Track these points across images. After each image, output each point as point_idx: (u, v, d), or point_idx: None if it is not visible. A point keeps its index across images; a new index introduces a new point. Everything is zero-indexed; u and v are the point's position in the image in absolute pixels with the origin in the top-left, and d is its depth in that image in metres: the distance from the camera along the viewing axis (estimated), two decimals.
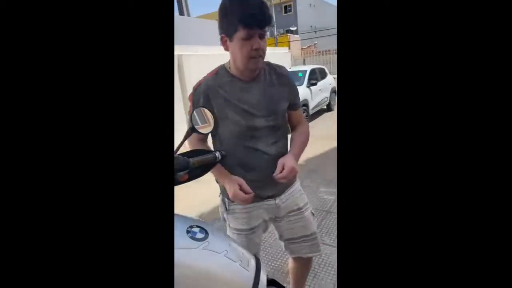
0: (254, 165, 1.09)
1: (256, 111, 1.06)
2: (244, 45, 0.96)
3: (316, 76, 6.64)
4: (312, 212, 1.28)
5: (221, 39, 1.00)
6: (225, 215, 1.20)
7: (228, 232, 1.21)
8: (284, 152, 1.14)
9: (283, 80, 1.13)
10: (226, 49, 1.02)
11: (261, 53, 0.99)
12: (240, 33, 0.94)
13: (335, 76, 8.83)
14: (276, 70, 1.13)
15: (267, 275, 0.73)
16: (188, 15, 9.54)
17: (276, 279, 0.78)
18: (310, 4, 25.54)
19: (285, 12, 24.42)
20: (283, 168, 1.02)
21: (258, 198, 1.12)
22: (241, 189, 1.03)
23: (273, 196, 1.17)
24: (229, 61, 1.08)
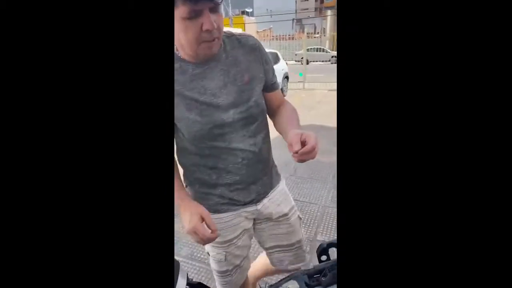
0: (228, 167, 0.85)
1: (221, 101, 0.79)
2: (189, 26, 0.67)
3: None
4: (299, 216, 1.05)
5: None
6: None
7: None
8: (266, 147, 0.91)
9: (252, 54, 0.84)
10: None
11: (216, 34, 0.71)
12: (181, 10, 0.64)
13: (288, 61, 8.91)
14: (240, 42, 0.83)
15: (191, 280, 0.66)
16: None
17: (202, 282, 0.71)
18: None
19: None
20: (303, 142, 0.69)
21: (236, 205, 0.92)
22: (204, 222, 0.77)
23: (254, 201, 0.93)
24: None
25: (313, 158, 0.70)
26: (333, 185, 2.77)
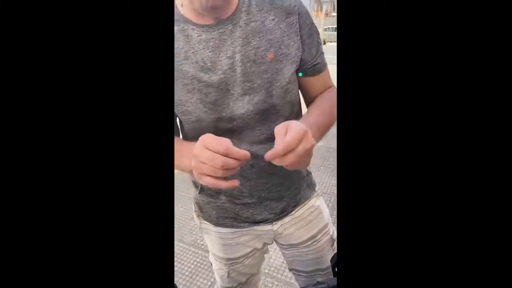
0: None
1: (231, 84, 0.57)
2: None
3: None
4: (332, 238, 0.80)
5: None
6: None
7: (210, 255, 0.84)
8: None
9: (287, 20, 0.58)
10: None
11: None
12: None
13: None
14: (273, 1, 0.58)
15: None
16: None
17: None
18: None
19: None
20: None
21: (245, 222, 0.72)
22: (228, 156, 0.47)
23: (268, 221, 0.72)
24: None
25: (289, 163, 0.46)
26: None
